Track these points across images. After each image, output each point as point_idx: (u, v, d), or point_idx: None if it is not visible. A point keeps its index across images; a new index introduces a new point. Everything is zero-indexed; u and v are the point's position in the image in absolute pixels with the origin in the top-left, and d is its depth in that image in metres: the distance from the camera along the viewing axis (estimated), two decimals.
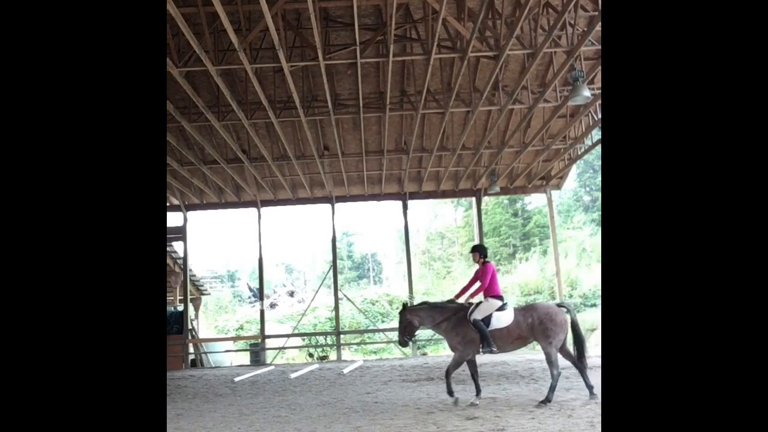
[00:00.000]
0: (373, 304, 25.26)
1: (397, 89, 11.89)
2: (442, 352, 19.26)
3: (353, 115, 12.05)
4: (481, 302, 7.17)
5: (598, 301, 20.57)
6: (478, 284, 7.34)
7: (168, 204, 16.90)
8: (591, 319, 19.69)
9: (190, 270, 17.88)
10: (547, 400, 6.75)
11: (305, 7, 7.51)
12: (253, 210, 17.45)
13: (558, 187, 18.14)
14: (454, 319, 7.13)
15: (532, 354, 15.10)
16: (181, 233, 17.02)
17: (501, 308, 7.04)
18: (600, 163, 27.57)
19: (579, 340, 7.13)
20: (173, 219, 17.14)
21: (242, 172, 15.27)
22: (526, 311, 7.10)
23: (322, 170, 14.90)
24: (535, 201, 31.12)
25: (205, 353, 17.70)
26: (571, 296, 22.19)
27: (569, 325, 7.05)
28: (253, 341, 18.42)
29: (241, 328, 26.31)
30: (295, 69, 10.17)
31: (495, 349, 6.95)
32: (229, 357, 19.20)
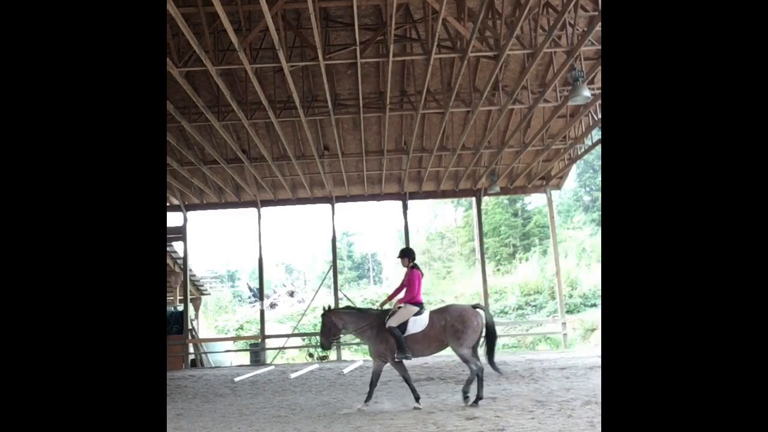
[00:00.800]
0: (373, 305, 25.20)
1: (397, 89, 11.89)
2: (441, 353, 19.24)
3: (353, 115, 12.05)
4: (399, 308, 7.12)
5: (598, 301, 20.56)
6: (404, 290, 7.26)
7: (168, 204, 16.90)
8: (591, 319, 19.69)
9: (190, 270, 17.88)
10: (478, 398, 6.80)
11: (305, 7, 7.52)
12: (253, 210, 17.46)
13: (558, 187, 18.15)
14: (377, 326, 7.07)
15: (533, 354, 15.12)
16: (181, 233, 17.02)
17: (418, 313, 7.02)
18: (600, 163, 27.56)
19: (491, 343, 7.08)
20: (173, 219, 17.17)
21: (242, 172, 15.28)
22: (440, 313, 7.08)
23: (322, 170, 14.90)
24: (535, 201, 31.10)
25: (205, 353, 17.71)
26: (571, 296, 22.18)
27: (483, 327, 7.02)
28: (253, 341, 18.42)
29: (241, 328, 26.31)
30: (295, 69, 10.17)
31: (410, 356, 6.93)
32: (229, 357, 19.21)
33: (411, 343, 6.93)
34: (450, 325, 6.88)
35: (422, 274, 7.39)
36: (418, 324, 6.95)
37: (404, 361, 7.01)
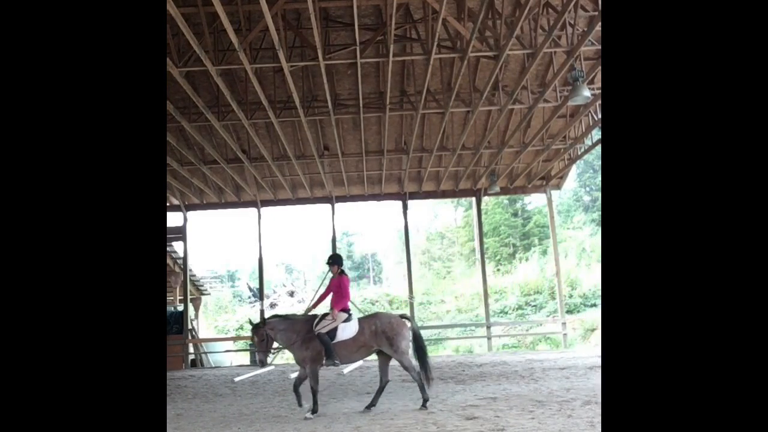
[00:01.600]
0: (373, 304, 25.25)
1: (397, 89, 11.89)
2: (441, 352, 19.27)
3: (353, 115, 12.05)
4: (326, 315, 7.12)
5: (598, 301, 20.56)
6: (333, 297, 7.27)
7: (168, 204, 16.90)
8: (591, 319, 19.69)
9: (190, 270, 17.87)
10: (425, 401, 6.90)
11: (305, 7, 7.51)
12: (253, 210, 17.46)
13: (558, 187, 18.15)
14: (304, 333, 7.02)
15: (533, 354, 15.12)
16: (181, 233, 17.02)
17: (346, 320, 7.07)
18: (600, 163, 27.55)
19: (421, 352, 7.20)
20: (173, 219, 17.16)
21: (242, 172, 15.27)
22: (369, 320, 7.15)
23: (322, 170, 14.90)
24: (535, 201, 31.09)
25: (205, 353, 17.70)
26: (571, 296, 22.18)
27: (411, 333, 7.15)
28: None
29: (241, 328, 26.27)
30: (295, 69, 10.17)
31: (338, 362, 6.95)
32: (229, 357, 19.20)
33: (338, 349, 6.95)
34: (381, 332, 6.98)
35: (350, 280, 7.47)
36: (347, 331, 7.00)
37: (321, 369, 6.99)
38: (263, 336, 6.99)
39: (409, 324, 7.24)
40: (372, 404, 7.09)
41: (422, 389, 6.96)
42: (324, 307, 7.46)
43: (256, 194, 16.92)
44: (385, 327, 6.99)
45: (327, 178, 15.84)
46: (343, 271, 7.41)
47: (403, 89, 11.98)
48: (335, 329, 6.98)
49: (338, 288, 7.25)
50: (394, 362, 7.21)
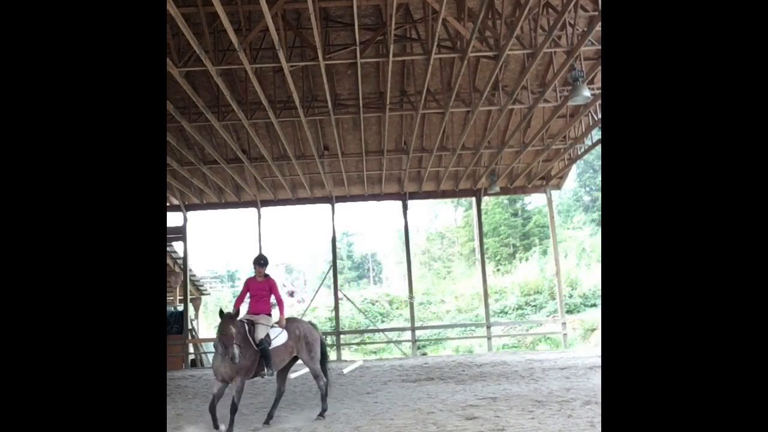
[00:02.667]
0: (373, 304, 25.25)
1: (397, 89, 11.88)
2: (441, 352, 19.27)
3: (353, 115, 12.05)
4: (258, 320, 6.59)
5: (598, 301, 20.56)
6: (257, 301, 6.79)
7: (168, 204, 16.89)
8: (591, 319, 19.69)
9: (190, 270, 17.87)
10: (323, 410, 6.87)
11: (305, 7, 7.51)
12: (253, 210, 17.46)
13: (558, 187, 18.15)
14: (240, 341, 6.14)
15: (533, 354, 15.12)
16: (181, 233, 17.02)
17: (273, 326, 6.72)
18: (600, 163, 27.55)
19: (324, 358, 7.18)
20: (173, 219, 17.16)
21: (242, 172, 15.27)
22: (291, 325, 6.88)
23: (322, 170, 14.90)
24: (535, 201, 31.09)
25: (205, 353, 17.70)
26: (571, 296, 22.17)
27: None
28: None
29: None
30: (295, 69, 10.16)
31: (274, 371, 6.56)
32: None
33: (273, 357, 6.50)
34: (303, 337, 6.88)
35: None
36: (280, 337, 6.68)
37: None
38: (239, 328, 6.20)
39: (317, 332, 7.21)
40: (270, 417, 6.70)
41: (324, 399, 6.95)
42: (244, 311, 6.93)
43: (256, 194, 16.92)
44: (306, 332, 6.91)
45: (327, 178, 15.84)
46: (267, 275, 6.92)
47: (403, 89, 11.98)
48: (269, 335, 6.54)
49: (269, 292, 6.80)
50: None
